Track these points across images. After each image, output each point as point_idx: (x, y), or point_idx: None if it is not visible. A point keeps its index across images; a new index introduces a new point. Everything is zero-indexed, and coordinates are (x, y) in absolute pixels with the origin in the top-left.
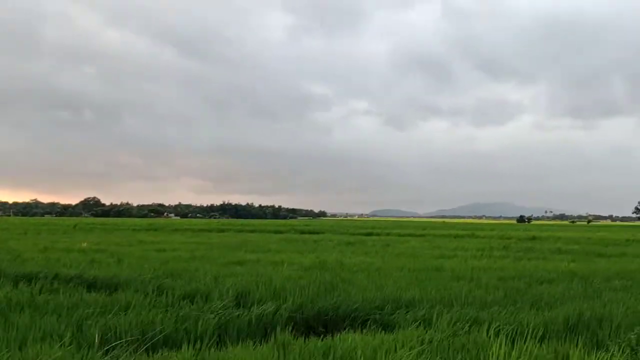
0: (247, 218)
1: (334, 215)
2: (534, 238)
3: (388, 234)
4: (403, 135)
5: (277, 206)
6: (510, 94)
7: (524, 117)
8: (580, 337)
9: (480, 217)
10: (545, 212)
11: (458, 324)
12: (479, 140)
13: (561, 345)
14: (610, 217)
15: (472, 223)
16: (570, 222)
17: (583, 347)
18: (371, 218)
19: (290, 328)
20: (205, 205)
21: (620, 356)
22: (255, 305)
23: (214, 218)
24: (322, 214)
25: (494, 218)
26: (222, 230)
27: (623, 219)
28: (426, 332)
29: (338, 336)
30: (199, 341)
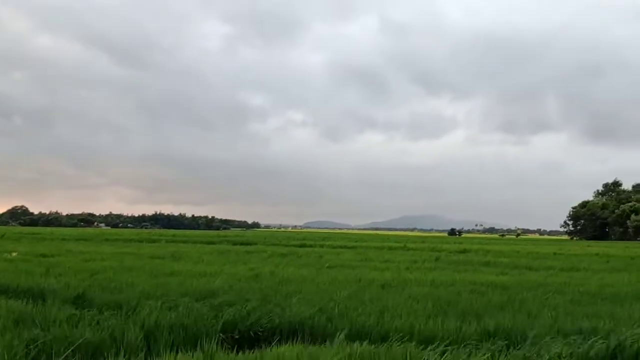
0: (180, 228)
1: (267, 227)
2: (464, 251)
3: (321, 246)
4: (339, 147)
5: (210, 217)
6: (445, 109)
7: (458, 132)
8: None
9: (412, 230)
10: (476, 225)
11: (391, 334)
12: (414, 154)
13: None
14: (539, 231)
15: (404, 235)
16: (500, 235)
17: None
18: (304, 230)
19: (221, 339)
20: (136, 215)
21: None
22: (186, 316)
23: (146, 228)
24: (256, 225)
25: (426, 231)
26: (154, 241)
27: (551, 232)
28: (360, 344)
29: (268, 348)
30: (127, 351)
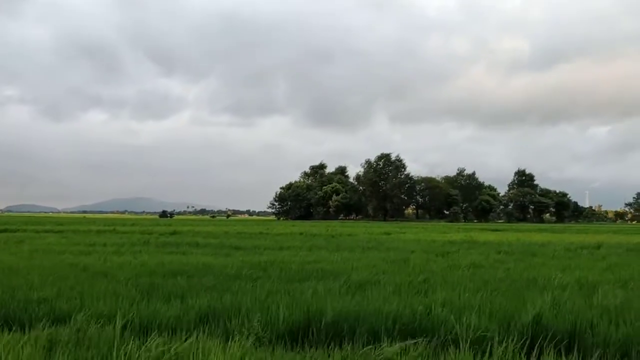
0: None
1: None
2: (174, 232)
3: (24, 231)
4: (59, 126)
5: None
6: (177, 88)
7: (186, 113)
8: (211, 327)
9: (123, 212)
10: (187, 207)
11: (92, 320)
12: (137, 134)
13: (191, 335)
14: (248, 212)
15: (114, 218)
16: (211, 216)
17: (214, 336)
18: (5, 214)
19: None
20: None
21: (245, 342)
22: None
23: None
24: None
25: (137, 213)
26: None
27: (260, 213)
28: (58, 330)
29: None
30: None
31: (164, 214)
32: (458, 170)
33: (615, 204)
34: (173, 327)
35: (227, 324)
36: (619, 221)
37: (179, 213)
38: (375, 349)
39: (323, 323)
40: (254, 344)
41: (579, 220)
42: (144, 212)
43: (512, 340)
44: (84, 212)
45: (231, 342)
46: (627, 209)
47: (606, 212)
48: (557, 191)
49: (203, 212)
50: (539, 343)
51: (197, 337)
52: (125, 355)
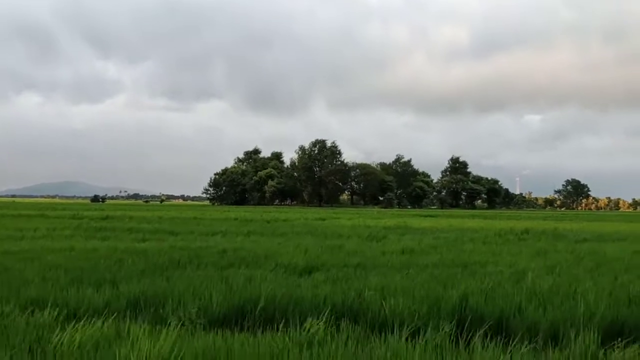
0: None
1: None
2: (107, 217)
3: None
4: None
5: None
6: (114, 71)
7: (121, 96)
8: (143, 313)
9: (53, 197)
10: (120, 191)
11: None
12: (71, 118)
13: (122, 322)
14: (182, 197)
15: (44, 203)
16: (145, 201)
17: (145, 323)
18: None
19: None
20: None
21: (180, 329)
22: None
23: None
24: None
25: (68, 198)
26: None
27: (194, 198)
28: None
29: None
30: None
31: (95, 199)
32: (397, 156)
33: (545, 191)
34: (104, 313)
35: (159, 310)
36: (548, 208)
37: (111, 198)
38: (299, 330)
39: (258, 308)
40: (188, 330)
41: (510, 206)
42: (74, 196)
43: (441, 322)
44: (13, 196)
45: (163, 328)
46: (556, 195)
47: (536, 198)
48: (489, 178)
49: (136, 197)
50: (468, 326)
51: (127, 323)
52: (54, 342)
